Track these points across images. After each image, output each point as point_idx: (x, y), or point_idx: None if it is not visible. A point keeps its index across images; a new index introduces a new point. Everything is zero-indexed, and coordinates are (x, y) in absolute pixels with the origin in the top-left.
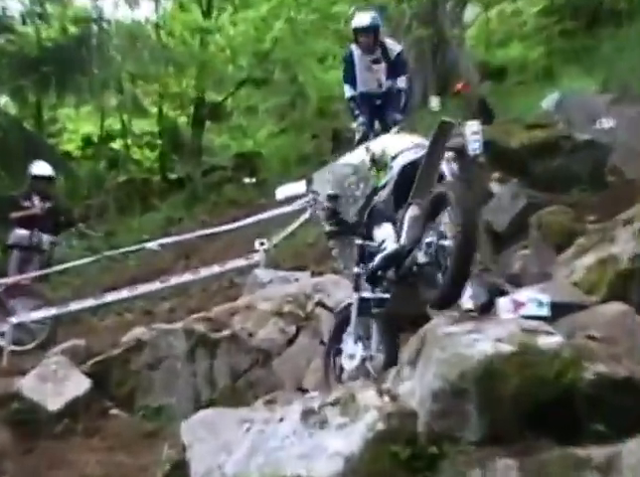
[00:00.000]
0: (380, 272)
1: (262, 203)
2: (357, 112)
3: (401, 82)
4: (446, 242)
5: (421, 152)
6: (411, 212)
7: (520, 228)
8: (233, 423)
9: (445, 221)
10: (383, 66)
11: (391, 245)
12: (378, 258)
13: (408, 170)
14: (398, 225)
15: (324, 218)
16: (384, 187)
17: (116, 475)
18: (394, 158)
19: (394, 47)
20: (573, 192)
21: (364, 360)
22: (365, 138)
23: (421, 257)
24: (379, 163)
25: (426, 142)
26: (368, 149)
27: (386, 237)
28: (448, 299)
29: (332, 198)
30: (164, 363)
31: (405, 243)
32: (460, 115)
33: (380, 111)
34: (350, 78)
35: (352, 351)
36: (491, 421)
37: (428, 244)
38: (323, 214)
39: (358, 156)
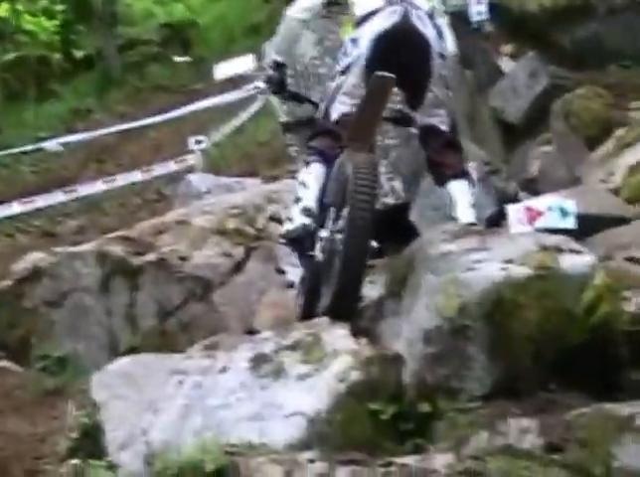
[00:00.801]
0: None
1: (199, 88)
2: None
3: None
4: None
5: (398, 14)
6: (341, 161)
7: (539, 117)
8: (160, 375)
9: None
10: None
11: (298, 218)
12: (284, 230)
13: (382, 44)
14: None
15: (267, 90)
16: (346, 69)
17: (7, 449)
18: (359, 23)
19: None
20: (611, 69)
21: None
22: None
23: (317, 252)
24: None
25: None
26: None
27: (303, 193)
28: (337, 312)
29: (278, 66)
30: (69, 298)
31: (318, 214)
32: None
33: None
34: None
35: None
36: (502, 369)
37: (323, 239)
38: (265, 86)
39: (311, 2)
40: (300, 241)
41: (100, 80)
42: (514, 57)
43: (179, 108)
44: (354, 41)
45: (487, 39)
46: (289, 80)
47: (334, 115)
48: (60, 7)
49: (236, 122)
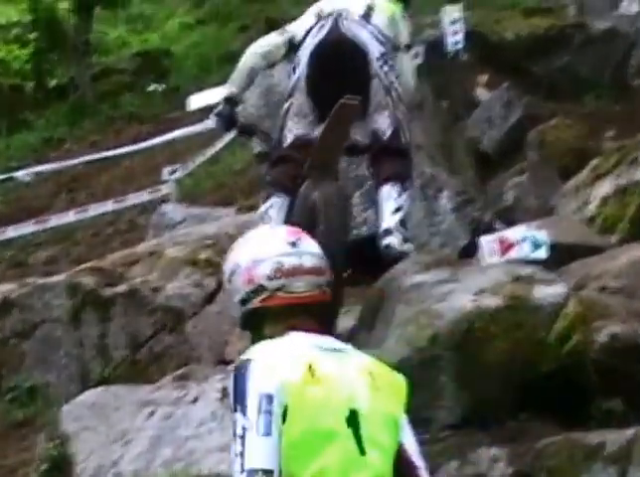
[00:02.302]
0: None
1: (173, 117)
2: None
3: None
4: None
5: (327, 27)
6: (304, 191)
7: (514, 147)
8: (131, 406)
9: None
10: None
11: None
12: None
13: (316, 59)
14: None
15: (218, 126)
16: (291, 92)
17: None
18: (297, 47)
19: None
20: (586, 99)
21: None
22: None
23: None
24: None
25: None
26: (284, 30)
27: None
28: None
29: (227, 101)
30: (39, 329)
31: None
32: None
33: None
34: None
35: None
36: (472, 398)
37: None
38: (215, 121)
39: (272, 39)
40: None
41: (73, 110)
42: (489, 87)
43: (153, 138)
44: (294, 64)
45: (463, 69)
46: (261, 111)
47: (288, 139)
48: (32, 35)
49: (210, 152)
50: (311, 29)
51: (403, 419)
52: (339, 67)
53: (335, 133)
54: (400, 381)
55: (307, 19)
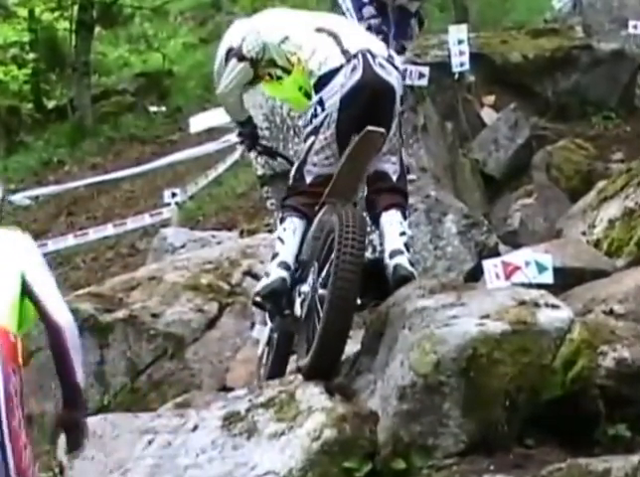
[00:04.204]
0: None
1: (175, 139)
2: (374, 12)
3: (414, 5)
4: (325, 293)
5: (360, 68)
6: (321, 216)
7: (521, 169)
8: (130, 435)
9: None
10: None
11: (275, 272)
12: (259, 286)
13: (351, 101)
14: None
15: (244, 145)
16: (315, 130)
17: None
18: (320, 84)
19: None
20: (593, 121)
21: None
22: None
23: (297, 308)
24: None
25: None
26: (240, 53)
27: (280, 248)
28: (318, 371)
29: (240, 124)
30: (35, 357)
31: (295, 270)
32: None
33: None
34: None
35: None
36: (477, 425)
37: (304, 294)
38: (238, 141)
39: (236, 69)
40: (277, 297)
41: (73, 131)
42: (496, 108)
43: (154, 160)
44: (320, 102)
45: (469, 90)
46: (265, 133)
47: (308, 178)
48: (31, 55)
49: (213, 174)
50: (338, 68)
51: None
52: (372, 111)
53: (356, 162)
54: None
55: (327, 51)
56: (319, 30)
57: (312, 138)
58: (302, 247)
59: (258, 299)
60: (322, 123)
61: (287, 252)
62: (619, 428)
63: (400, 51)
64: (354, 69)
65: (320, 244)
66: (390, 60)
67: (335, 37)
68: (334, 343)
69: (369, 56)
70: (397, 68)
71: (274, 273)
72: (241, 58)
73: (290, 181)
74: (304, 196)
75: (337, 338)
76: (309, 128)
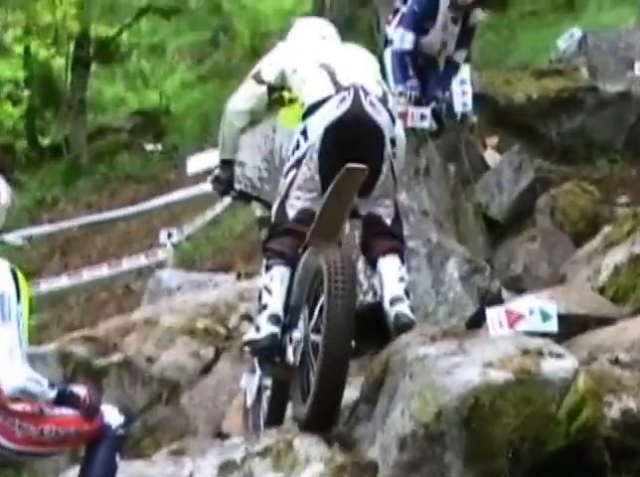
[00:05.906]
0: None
1: (172, 178)
2: (410, 72)
3: (461, 56)
4: (318, 338)
5: (349, 100)
6: (306, 259)
7: (525, 212)
8: None
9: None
10: (457, 29)
11: (265, 327)
12: (249, 337)
13: (334, 133)
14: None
15: (215, 191)
16: (297, 163)
17: None
18: (308, 113)
19: (477, 11)
20: (599, 163)
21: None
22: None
23: (290, 356)
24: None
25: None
26: (260, 77)
27: (268, 300)
28: (316, 424)
29: (224, 163)
30: None
31: (285, 320)
32: None
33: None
34: (420, 24)
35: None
36: (479, 476)
37: (296, 341)
38: (212, 187)
39: (252, 91)
40: (268, 352)
41: (68, 170)
42: (499, 149)
43: (150, 199)
44: (304, 132)
45: (472, 131)
46: (263, 174)
47: (291, 213)
48: (26, 92)
49: (210, 215)
50: (326, 99)
51: None
52: (356, 146)
53: (339, 200)
54: None
55: (318, 82)
56: (322, 66)
57: (294, 171)
58: (290, 293)
59: (247, 349)
60: (304, 155)
61: (276, 303)
62: None
63: (430, 100)
64: (342, 100)
65: (308, 288)
66: (383, 99)
67: (332, 71)
68: (331, 394)
69: (361, 91)
70: (388, 109)
71: (265, 329)
72: (260, 81)
73: (273, 218)
74: (288, 236)
75: (334, 389)
76: (291, 161)
